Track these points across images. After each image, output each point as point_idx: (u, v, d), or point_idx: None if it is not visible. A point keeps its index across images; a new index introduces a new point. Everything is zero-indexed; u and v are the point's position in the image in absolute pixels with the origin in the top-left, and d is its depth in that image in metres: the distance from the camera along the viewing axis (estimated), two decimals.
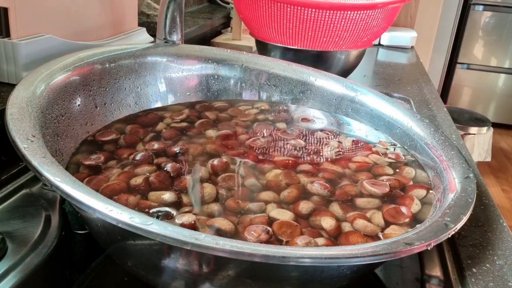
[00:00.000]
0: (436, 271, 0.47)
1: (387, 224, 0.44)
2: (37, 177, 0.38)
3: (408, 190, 0.50)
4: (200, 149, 0.54)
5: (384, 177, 0.51)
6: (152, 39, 0.86)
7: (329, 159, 0.55)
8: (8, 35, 0.58)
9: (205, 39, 1.25)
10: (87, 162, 0.48)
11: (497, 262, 0.44)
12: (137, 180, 0.46)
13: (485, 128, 2.40)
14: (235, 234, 0.40)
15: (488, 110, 3.35)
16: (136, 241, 0.35)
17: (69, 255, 0.51)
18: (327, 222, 0.43)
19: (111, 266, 0.52)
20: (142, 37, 0.85)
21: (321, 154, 0.57)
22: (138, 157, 0.50)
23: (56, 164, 0.36)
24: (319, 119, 0.67)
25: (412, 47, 1.54)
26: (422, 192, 0.49)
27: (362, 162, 0.55)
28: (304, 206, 0.45)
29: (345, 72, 0.96)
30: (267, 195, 0.46)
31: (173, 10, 0.67)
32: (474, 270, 0.43)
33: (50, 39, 0.62)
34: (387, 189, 0.49)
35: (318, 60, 0.90)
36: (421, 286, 0.48)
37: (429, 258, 0.49)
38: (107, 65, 0.58)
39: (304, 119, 0.66)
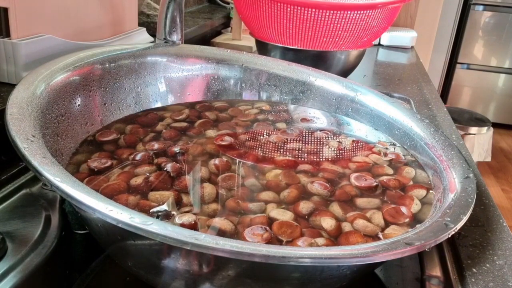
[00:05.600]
0: (436, 271, 0.47)
1: (387, 224, 0.44)
2: (37, 177, 0.38)
3: (408, 190, 0.50)
4: (200, 149, 0.54)
5: (384, 177, 0.51)
6: (152, 39, 0.86)
7: (329, 159, 0.55)
8: (8, 35, 0.58)
9: (205, 39, 1.25)
10: (92, 165, 0.48)
11: (497, 262, 0.44)
12: (137, 180, 0.46)
13: (485, 128, 2.40)
14: (235, 234, 0.40)
15: (488, 110, 3.35)
16: (136, 241, 0.35)
17: (69, 255, 0.51)
18: (327, 222, 0.43)
19: (111, 266, 0.52)
20: (142, 37, 0.85)
21: (321, 154, 0.57)
22: (138, 157, 0.50)
23: (56, 164, 0.36)
24: (319, 119, 0.67)
25: (412, 47, 1.54)
26: (422, 192, 0.49)
27: (362, 162, 0.55)
28: (304, 206, 0.45)
29: (345, 72, 0.96)
30: (267, 195, 0.46)
31: (173, 10, 0.67)
32: (474, 270, 0.43)
33: (50, 39, 0.62)
34: (363, 184, 0.49)
35: (318, 60, 0.90)
36: (421, 286, 0.48)
37: (429, 258, 0.49)
38: (107, 65, 0.59)
39: (304, 119, 0.66)
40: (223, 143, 0.56)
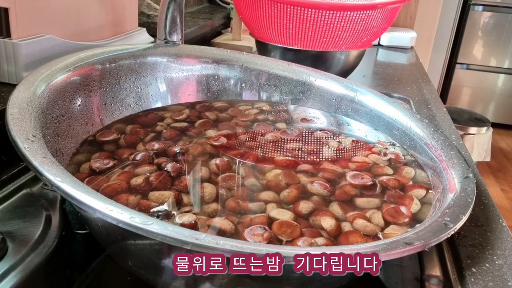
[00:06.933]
0: (436, 271, 0.47)
1: (387, 224, 0.44)
2: (38, 177, 0.39)
3: (407, 190, 0.50)
4: (200, 149, 0.54)
5: (384, 177, 0.51)
6: (152, 39, 0.86)
7: (329, 159, 0.56)
8: (8, 35, 0.58)
9: (205, 40, 1.25)
10: (95, 165, 0.48)
11: (496, 262, 0.44)
12: (138, 180, 0.46)
13: (484, 128, 2.40)
14: (235, 234, 0.40)
15: (488, 110, 3.35)
16: (137, 241, 0.35)
17: (69, 255, 0.51)
18: (327, 222, 0.43)
19: (111, 266, 0.52)
20: (143, 38, 0.85)
21: (321, 154, 0.57)
22: (138, 157, 0.50)
23: (57, 164, 0.36)
24: (319, 119, 0.67)
25: (411, 47, 1.54)
26: (421, 192, 0.49)
27: (361, 162, 0.55)
28: (304, 206, 0.45)
29: (345, 72, 0.96)
30: (267, 195, 0.46)
31: (173, 10, 0.67)
32: (473, 269, 0.43)
33: (51, 39, 0.62)
34: (357, 182, 0.49)
35: (318, 60, 0.91)
36: (420, 285, 0.48)
37: (429, 258, 0.49)
38: (108, 65, 0.59)
39: (304, 119, 0.66)
40: (216, 143, 0.56)
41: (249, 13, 0.90)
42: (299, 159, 0.55)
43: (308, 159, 0.55)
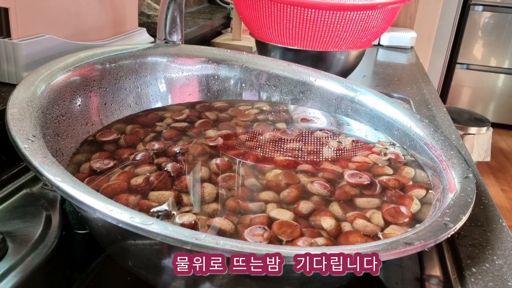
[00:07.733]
0: (436, 271, 0.47)
1: (387, 224, 0.44)
2: (38, 177, 0.39)
3: (407, 190, 0.50)
4: (200, 149, 0.54)
5: (384, 177, 0.51)
6: (152, 39, 0.86)
7: (329, 159, 0.56)
8: (8, 35, 0.58)
9: (205, 40, 1.26)
10: (95, 166, 0.48)
11: (496, 262, 0.44)
12: (138, 180, 0.46)
13: (484, 128, 2.40)
14: (235, 234, 0.40)
15: (488, 110, 3.35)
16: (137, 241, 0.35)
17: (69, 255, 0.51)
18: (327, 222, 0.43)
19: (111, 266, 0.52)
20: (143, 38, 0.85)
21: (321, 154, 0.57)
22: (138, 157, 0.50)
23: (57, 164, 0.36)
24: (319, 119, 0.67)
25: (411, 47, 1.54)
26: (421, 192, 0.49)
27: (361, 162, 0.55)
28: (304, 206, 0.45)
29: (345, 72, 0.96)
30: (267, 195, 0.46)
31: (173, 10, 0.67)
32: (473, 269, 0.43)
33: (51, 39, 0.62)
34: (353, 180, 0.49)
35: (318, 60, 0.91)
36: (420, 285, 0.48)
37: (429, 258, 0.49)
38: (108, 65, 0.59)
39: (304, 119, 0.66)
40: (212, 143, 0.56)
41: (249, 13, 0.90)
42: (299, 159, 0.55)
43: (308, 159, 0.55)
